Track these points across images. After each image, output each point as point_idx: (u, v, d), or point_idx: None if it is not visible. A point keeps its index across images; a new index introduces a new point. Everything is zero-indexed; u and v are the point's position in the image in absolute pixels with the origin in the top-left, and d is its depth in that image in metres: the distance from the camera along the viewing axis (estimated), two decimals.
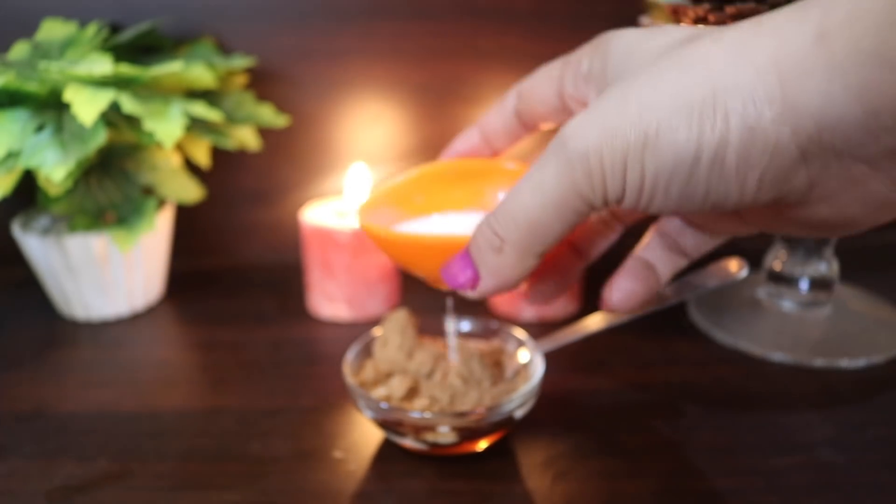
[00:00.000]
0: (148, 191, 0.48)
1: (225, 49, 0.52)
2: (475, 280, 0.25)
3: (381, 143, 0.55)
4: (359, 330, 0.45)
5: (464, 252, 0.26)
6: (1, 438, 0.35)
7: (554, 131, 0.33)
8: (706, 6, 0.35)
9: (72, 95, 0.39)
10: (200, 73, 0.44)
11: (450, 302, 0.35)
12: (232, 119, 0.48)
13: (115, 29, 0.51)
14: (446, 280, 0.26)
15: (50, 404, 0.38)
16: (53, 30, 0.46)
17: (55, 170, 0.39)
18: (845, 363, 0.40)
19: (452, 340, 0.35)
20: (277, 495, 0.31)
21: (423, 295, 0.49)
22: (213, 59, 0.48)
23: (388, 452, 0.33)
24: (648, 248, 0.30)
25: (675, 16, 0.38)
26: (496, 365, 0.36)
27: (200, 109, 0.43)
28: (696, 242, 0.30)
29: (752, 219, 0.26)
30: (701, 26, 0.24)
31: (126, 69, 0.40)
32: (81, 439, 0.35)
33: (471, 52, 0.53)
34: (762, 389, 0.39)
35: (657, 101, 0.20)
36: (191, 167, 0.53)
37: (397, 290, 0.49)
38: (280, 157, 0.55)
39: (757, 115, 0.19)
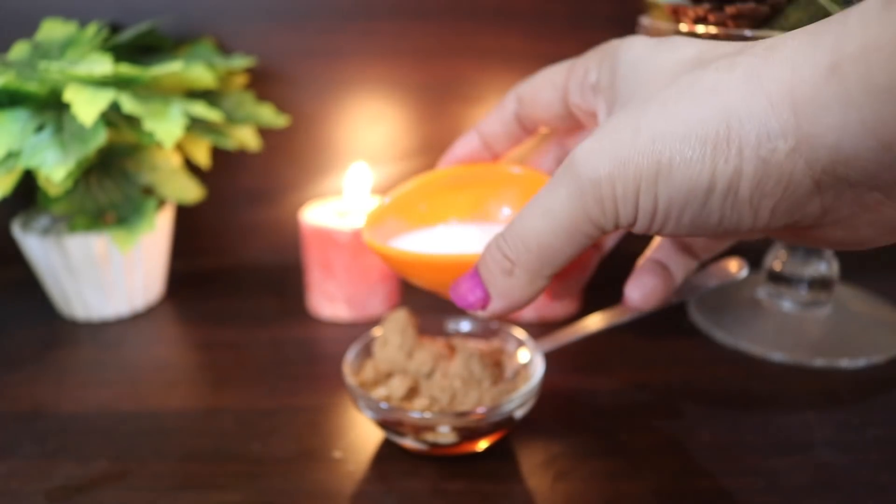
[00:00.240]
0: (148, 191, 0.48)
1: (225, 49, 0.52)
2: (485, 301, 0.26)
3: (381, 142, 0.55)
4: (359, 330, 0.45)
5: (473, 272, 0.26)
6: (1, 438, 0.35)
7: (553, 133, 0.33)
8: (706, 6, 0.35)
9: (72, 95, 0.39)
10: (200, 73, 0.44)
11: None
12: (232, 119, 0.48)
13: (115, 29, 0.51)
14: (455, 300, 0.27)
15: (50, 404, 0.38)
16: (53, 30, 0.46)
17: (55, 170, 0.39)
18: (845, 363, 0.40)
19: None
20: (277, 495, 0.31)
21: (423, 295, 0.49)
22: (213, 59, 0.48)
23: (388, 452, 0.33)
24: (660, 249, 0.31)
25: (675, 16, 0.38)
26: (496, 365, 0.36)
27: (200, 109, 0.43)
28: (706, 245, 0.31)
29: (763, 233, 0.26)
30: (709, 40, 0.24)
31: (126, 69, 0.40)
32: (81, 439, 0.35)
33: (471, 52, 0.53)
34: (762, 389, 0.39)
35: (670, 133, 0.20)
36: (191, 167, 0.53)
37: (397, 290, 0.49)
38: (280, 157, 0.55)
39: (771, 148, 0.19)
